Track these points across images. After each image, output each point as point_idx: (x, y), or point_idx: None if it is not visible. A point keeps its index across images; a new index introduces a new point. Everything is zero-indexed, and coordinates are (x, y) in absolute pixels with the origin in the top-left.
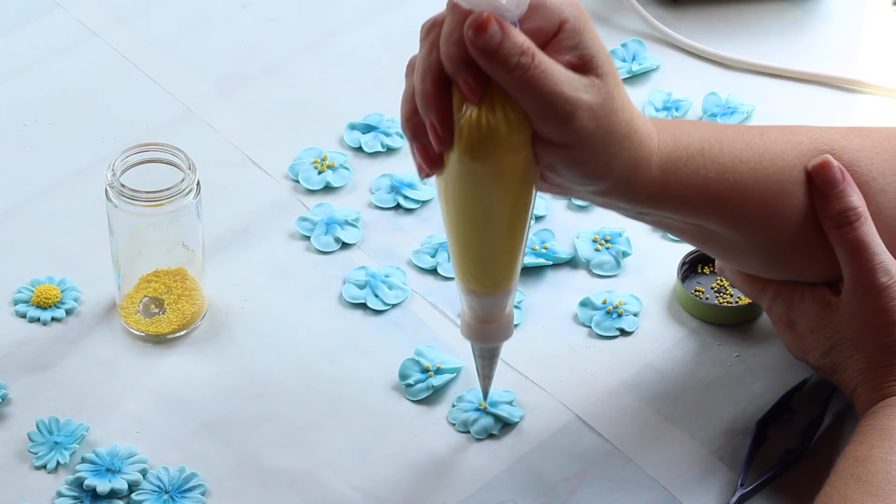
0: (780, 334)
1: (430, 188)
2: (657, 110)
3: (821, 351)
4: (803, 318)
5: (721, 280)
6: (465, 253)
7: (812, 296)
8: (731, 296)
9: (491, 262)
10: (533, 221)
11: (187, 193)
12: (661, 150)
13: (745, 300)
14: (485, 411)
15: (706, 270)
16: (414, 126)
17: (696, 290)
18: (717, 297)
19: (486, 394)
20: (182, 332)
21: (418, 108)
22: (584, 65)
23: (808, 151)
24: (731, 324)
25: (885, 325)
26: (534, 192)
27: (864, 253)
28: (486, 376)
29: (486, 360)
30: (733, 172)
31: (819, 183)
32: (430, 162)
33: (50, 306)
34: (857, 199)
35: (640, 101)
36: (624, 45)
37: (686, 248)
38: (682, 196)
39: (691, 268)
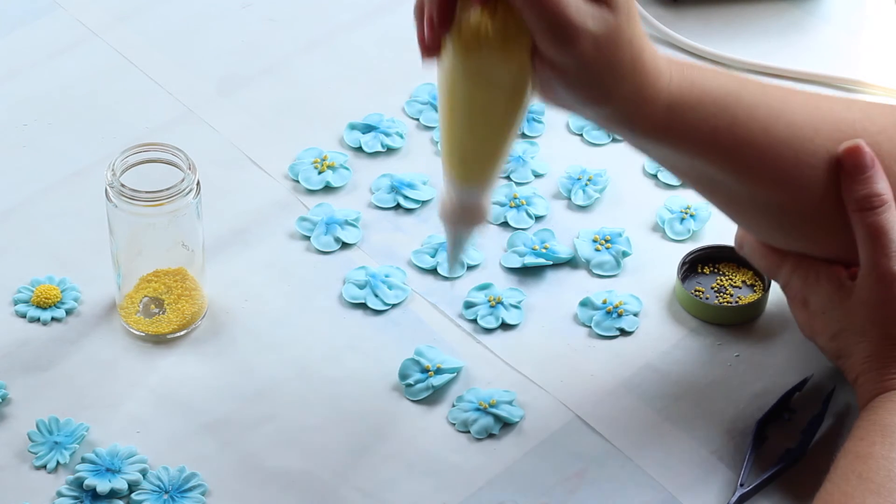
0: (794, 312)
1: (431, 188)
2: None
3: (829, 333)
4: (816, 298)
5: (721, 280)
6: (449, 143)
7: (827, 276)
8: (731, 296)
9: (472, 156)
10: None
11: (187, 193)
12: (672, 92)
13: (745, 300)
14: (485, 411)
15: (706, 270)
16: (420, 12)
17: (696, 290)
18: (717, 297)
19: (450, 271)
20: (182, 332)
21: None
22: None
23: (829, 131)
24: (731, 324)
25: (893, 315)
26: (526, 100)
27: (882, 239)
28: (454, 258)
29: (459, 242)
30: (744, 127)
31: (848, 166)
32: (426, 48)
33: (50, 306)
34: (883, 186)
35: None
36: None
37: (686, 248)
38: (687, 137)
39: (691, 268)
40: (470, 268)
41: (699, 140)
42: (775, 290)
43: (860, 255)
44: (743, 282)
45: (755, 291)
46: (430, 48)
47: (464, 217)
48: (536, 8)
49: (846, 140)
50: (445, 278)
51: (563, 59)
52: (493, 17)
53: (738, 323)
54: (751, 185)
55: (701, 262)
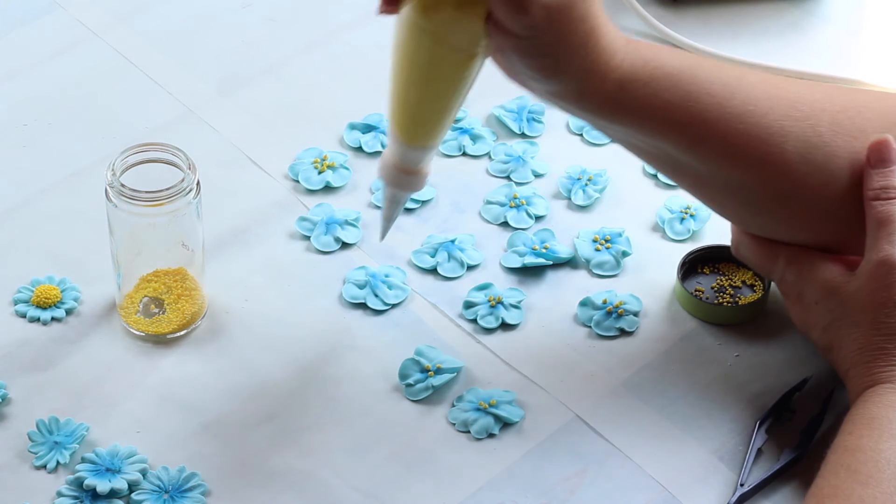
0: (789, 307)
1: (430, 188)
2: None
3: (822, 325)
4: (811, 288)
5: (721, 280)
6: (395, 99)
7: (822, 265)
8: (731, 296)
9: (415, 115)
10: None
11: (187, 193)
12: (624, 68)
13: (745, 300)
14: (485, 411)
15: (706, 270)
16: None
17: (696, 290)
18: (716, 296)
19: (383, 234)
20: (182, 332)
21: None
22: None
23: (784, 108)
24: (730, 324)
25: (888, 303)
26: (477, 65)
27: (889, 227)
28: (387, 218)
29: (394, 203)
30: (697, 102)
31: (873, 159)
32: (387, 1)
33: (50, 306)
34: None
35: None
36: None
37: (686, 248)
38: (640, 113)
39: (691, 268)
40: (470, 268)
41: (652, 116)
42: (775, 290)
43: (867, 243)
44: (743, 282)
45: (755, 291)
46: (391, 2)
47: (402, 178)
48: None
49: (802, 117)
50: (445, 278)
51: (515, 26)
52: None
53: (737, 323)
54: (709, 163)
55: (701, 262)
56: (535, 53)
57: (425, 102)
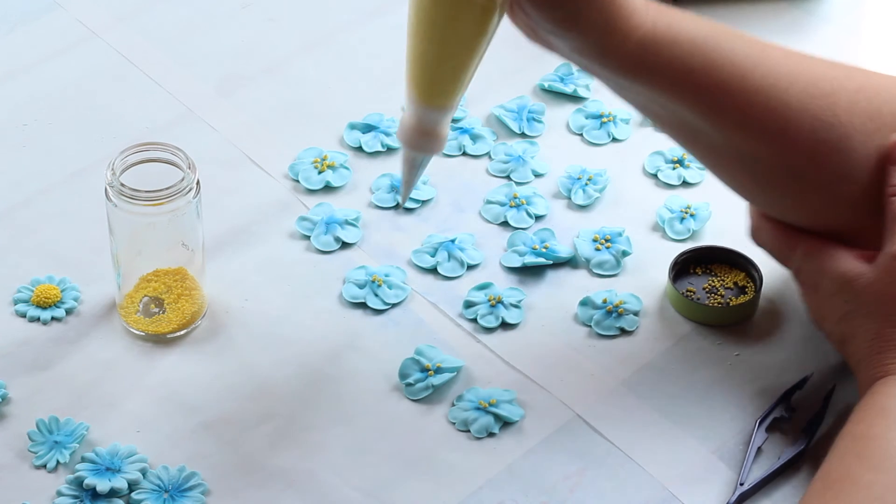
0: (804, 297)
1: (431, 188)
2: None
3: (837, 316)
4: (829, 279)
5: (713, 281)
6: (412, 58)
7: (841, 256)
8: (723, 297)
9: (433, 74)
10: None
11: (187, 193)
12: (645, 28)
13: (736, 301)
14: (485, 410)
15: (698, 271)
16: None
17: (687, 291)
18: (707, 297)
19: (404, 199)
20: (182, 332)
21: None
22: None
23: (804, 84)
24: (720, 325)
25: None
26: (494, 21)
27: None
28: (407, 182)
29: (413, 167)
30: (719, 70)
31: (894, 156)
32: None
33: (50, 306)
34: None
35: None
36: None
37: (679, 249)
38: (661, 75)
39: (683, 268)
40: (470, 267)
41: (673, 80)
42: (767, 291)
43: (884, 237)
44: (735, 283)
45: (746, 293)
46: None
47: (421, 141)
48: None
49: (820, 94)
50: (445, 278)
51: None
52: None
53: (728, 324)
54: (724, 132)
55: (693, 263)
56: (551, 5)
57: (443, 60)
